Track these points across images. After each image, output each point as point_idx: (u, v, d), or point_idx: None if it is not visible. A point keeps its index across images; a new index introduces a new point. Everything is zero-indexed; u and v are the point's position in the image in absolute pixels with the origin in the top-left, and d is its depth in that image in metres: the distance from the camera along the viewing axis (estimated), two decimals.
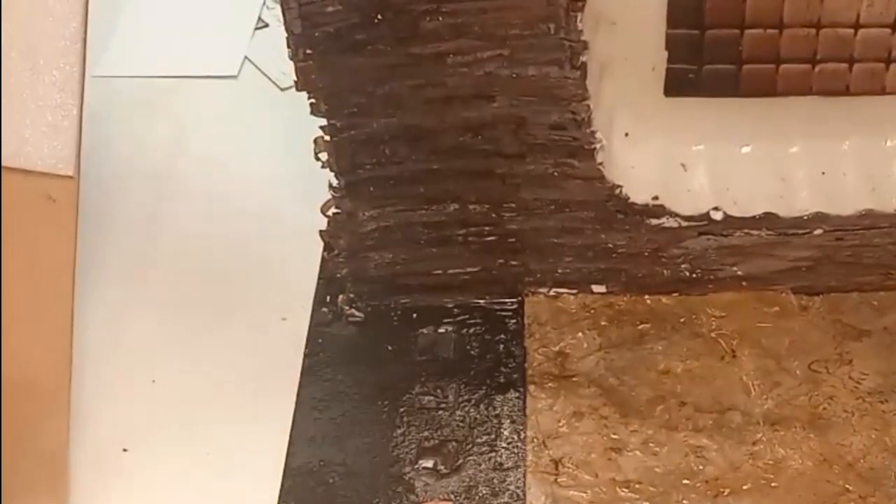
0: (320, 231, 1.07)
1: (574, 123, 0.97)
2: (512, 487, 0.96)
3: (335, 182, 1.02)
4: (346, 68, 0.94)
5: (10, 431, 0.92)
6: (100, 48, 1.42)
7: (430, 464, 0.98)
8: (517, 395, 1.03)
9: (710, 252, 1.05)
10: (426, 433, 1.01)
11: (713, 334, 1.06)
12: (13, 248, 0.89)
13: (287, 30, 0.92)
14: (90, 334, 1.08)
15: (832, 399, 1.00)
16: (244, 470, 0.99)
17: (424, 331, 1.09)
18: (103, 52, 1.43)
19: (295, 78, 0.95)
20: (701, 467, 0.96)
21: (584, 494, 0.95)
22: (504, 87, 0.95)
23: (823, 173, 1.04)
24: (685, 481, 0.95)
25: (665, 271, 1.07)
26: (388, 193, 1.02)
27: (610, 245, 1.05)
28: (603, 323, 1.07)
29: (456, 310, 1.10)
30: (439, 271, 1.08)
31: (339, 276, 1.09)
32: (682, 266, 1.07)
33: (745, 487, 0.95)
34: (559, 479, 0.96)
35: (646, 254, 1.05)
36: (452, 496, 0.96)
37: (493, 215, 1.03)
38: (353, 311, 1.10)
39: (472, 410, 1.02)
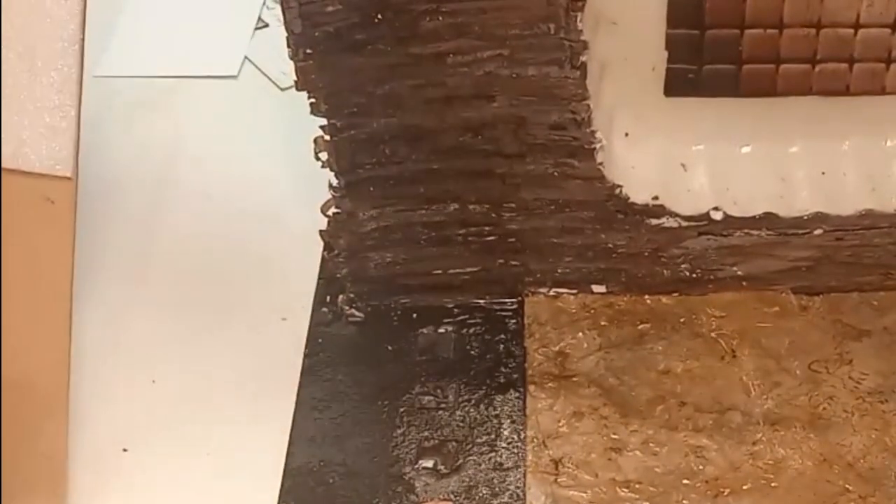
0: (320, 231, 1.07)
1: (574, 123, 0.97)
2: (512, 487, 0.96)
3: (335, 182, 1.02)
4: (346, 68, 0.94)
5: (9, 432, 0.92)
6: (100, 48, 1.42)
7: (430, 464, 0.98)
8: (517, 395, 1.03)
9: (710, 252, 1.05)
10: (426, 433, 1.01)
11: (713, 334, 1.06)
12: (11, 250, 0.89)
13: (287, 29, 0.92)
14: (90, 335, 1.08)
15: (832, 399, 1.00)
16: (244, 470, 0.99)
17: (424, 331, 1.09)
18: (103, 52, 1.43)
19: (295, 78, 0.95)
20: (701, 467, 0.96)
21: (584, 494, 0.95)
22: (504, 86, 0.95)
23: (823, 173, 1.04)
24: (685, 481, 0.95)
25: (665, 271, 1.07)
26: (388, 193, 1.02)
27: (610, 245, 1.05)
28: (603, 323, 1.07)
29: (456, 310, 1.10)
30: (439, 271, 1.08)
31: (339, 276, 1.09)
32: (682, 266, 1.07)
33: (745, 487, 0.95)
34: (559, 479, 0.96)
35: (646, 254, 1.05)
36: (452, 496, 0.96)
37: (493, 215, 1.03)
38: (353, 311, 1.10)
39: (472, 410, 1.02)
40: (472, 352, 1.07)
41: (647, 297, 1.09)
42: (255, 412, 1.03)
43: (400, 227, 1.04)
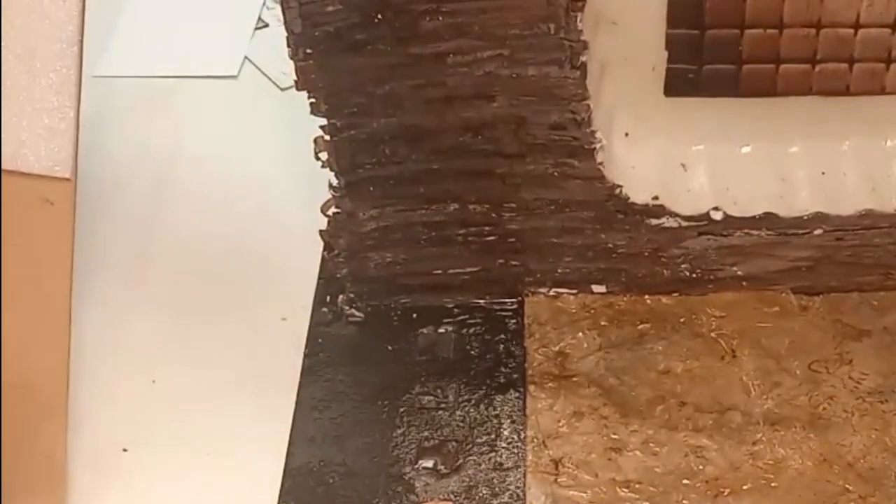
0: (320, 231, 1.07)
1: (574, 123, 0.97)
2: (512, 487, 0.96)
3: (335, 182, 1.02)
4: (346, 68, 0.94)
5: (9, 433, 0.92)
6: (99, 48, 1.42)
7: (430, 464, 0.98)
8: (517, 395, 1.03)
9: (710, 252, 1.05)
10: (426, 433, 1.01)
11: (713, 334, 1.06)
12: (10, 251, 0.89)
13: (287, 29, 0.92)
14: (90, 335, 1.08)
15: (832, 399, 1.00)
16: (244, 470, 0.99)
17: (424, 331, 1.09)
18: (103, 53, 1.43)
19: (295, 78, 0.95)
20: (701, 467, 0.96)
21: (584, 494, 0.95)
22: (504, 86, 0.95)
23: (823, 173, 1.04)
24: (685, 481, 0.95)
25: (665, 271, 1.07)
26: (388, 193, 1.02)
27: (610, 245, 1.05)
28: (603, 323, 1.07)
29: (456, 310, 1.10)
30: (439, 271, 1.08)
31: (339, 276, 1.09)
32: (682, 266, 1.06)
33: (745, 487, 0.95)
34: (559, 479, 0.96)
35: (646, 254, 1.05)
36: (452, 496, 0.96)
37: (493, 215, 1.03)
38: (353, 311, 1.10)
39: (472, 410, 1.02)
40: (472, 352, 1.07)
41: (647, 297, 1.09)
42: (255, 412, 1.03)
43: (400, 227, 1.04)
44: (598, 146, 0.99)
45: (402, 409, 1.02)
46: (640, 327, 1.07)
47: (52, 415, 0.94)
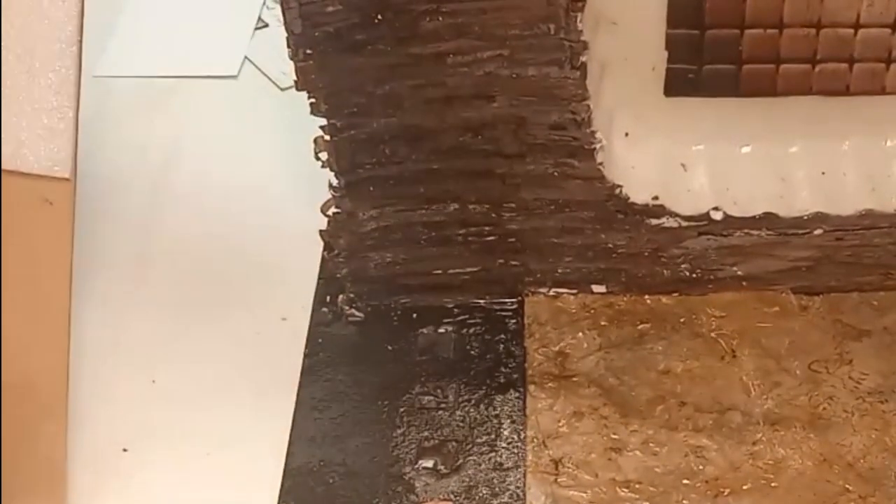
0: (320, 231, 1.07)
1: (574, 123, 0.97)
2: (512, 487, 0.96)
3: (335, 182, 1.02)
4: (346, 68, 0.94)
5: (9, 433, 0.92)
6: (99, 48, 1.42)
7: (430, 464, 0.98)
8: (517, 395, 1.03)
9: (710, 252, 1.05)
10: (426, 433, 1.01)
11: (713, 334, 1.06)
12: (10, 251, 0.89)
13: (287, 30, 0.92)
14: (89, 335, 1.08)
15: (832, 399, 1.00)
16: (244, 470, 0.99)
17: (424, 331, 1.09)
18: (103, 53, 1.43)
19: (295, 78, 0.95)
20: (701, 467, 0.96)
21: (584, 494, 0.95)
22: (504, 87, 0.95)
23: (823, 173, 1.04)
24: (685, 481, 0.95)
25: (665, 271, 1.07)
26: (388, 193, 1.02)
27: (610, 245, 1.05)
28: (603, 323, 1.07)
29: (456, 310, 1.10)
30: (439, 271, 1.08)
31: (339, 276, 1.09)
32: (682, 266, 1.06)
33: (745, 487, 0.95)
34: (559, 479, 0.96)
35: (646, 254, 1.05)
36: (452, 496, 0.96)
37: (493, 215, 1.03)
38: (353, 311, 1.10)
39: (472, 410, 1.02)
40: (472, 352, 1.07)
41: (647, 297, 1.09)
42: (255, 412, 1.03)
43: (400, 227, 1.04)
44: (598, 146, 0.99)
45: (402, 409, 1.02)
46: (640, 327, 1.07)
47: (52, 415, 0.94)
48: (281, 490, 0.97)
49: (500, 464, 0.98)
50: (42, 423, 0.94)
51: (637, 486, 0.95)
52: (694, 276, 1.07)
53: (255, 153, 1.28)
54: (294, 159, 1.20)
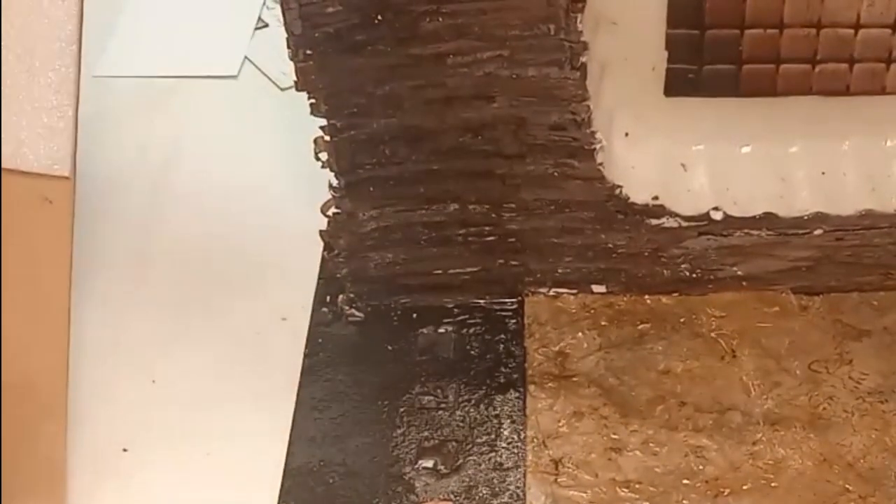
0: (320, 231, 1.07)
1: (574, 124, 0.97)
2: (512, 487, 0.96)
3: (335, 182, 1.02)
4: (346, 69, 0.94)
5: (8, 433, 0.92)
6: (99, 48, 1.42)
7: (430, 464, 0.98)
8: (517, 395, 1.03)
9: (710, 252, 1.05)
10: (426, 433, 1.01)
11: (713, 334, 1.06)
12: (10, 249, 0.89)
13: (287, 30, 0.92)
14: (89, 335, 1.08)
15: (832, 399, 1.00)
16: (244, 470, 0.99)
17: (424, 331, 1.09)
18: (103, 53, 1.43)
19: (295, 78, 0.95)
20: (701, 467, 0.96)
21: (584, 494, 0.95)
22: (504, 87, 0.95)
23: (823, 173, 1.04)
24: (685, 481, 0.95)
25: (665, 271, 1.07)
26: (388, 193, 1.02)
27: (610, 245, 1.05)
28: (603, 323, 1.07)
29: (456, 310, 1.10)
30: (439, 271, 1.08)
31: (339, 276, 1.09)
32: (682, 266, 1.07)
33: (745, 487, 0.95)
34: (559, 479, 0.96)
35: (646, 254, 1.05)
36: (452, 496, 0.96)
37: (493, 215, 1.03)
38: (353, 311, 1.10)
39: (472, 410, 1.02)
40: (472, 352, 1.07)
41: (647, 297, 1.09)
42: (255, 412, 1.03)
43: (400, 228, 1.04)
44: (598, 146, 0.99)
45: (402, 409, 1.02)
46: (640, 327, 1.07)
47: (52, 414, 0.94)
48: (281, 490, 0.97)
49: (500, 464, 0.98)
50: (42, 422, 0.94)
51: (637, 486, 0.95)
52: (694, 276, 1.07)
53: (255, 153, 1.28)
54: (294, 159, 1.20)
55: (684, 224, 1.04)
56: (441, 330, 1.09)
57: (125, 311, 1.13)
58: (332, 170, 1.01)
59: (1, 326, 0.90)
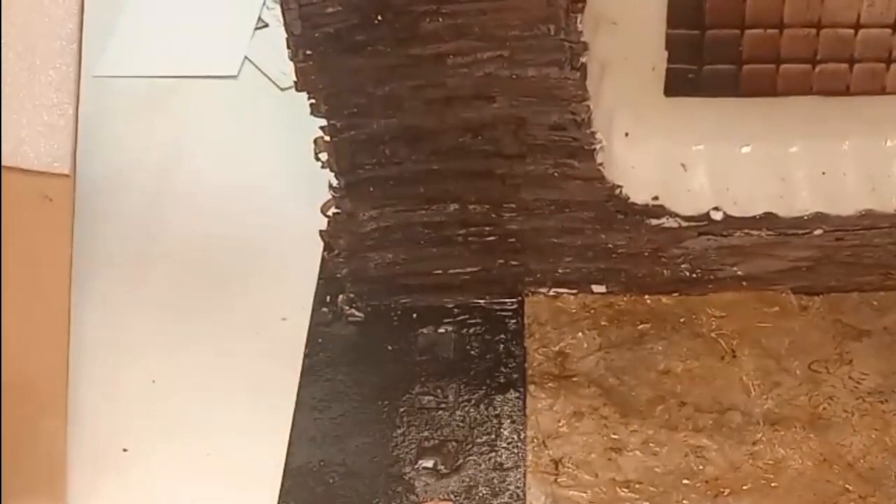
0: (320, 231, 1.07)
1: (574, 124, 0.97)
2: (512, 487, 0.96)
3: (335, 182, 1.02)
4: (345, 69, 0.94)
5: (8, 432, 0.92)
6: (99, 48, 1.42)
7: (430, 464, 0.98)
8: (517, 395, 1.03)
9: (710, 252, 1.05)
10: (426, 433, 1.01)
11: (713, 334, 1.06)
12: (9, 247, 0.89)
13: (287, 30, 0.92)
14: (89, 334, 1.08)
15: (832, 399, 1.00)
16: (244, 470, 0.99)
17: (424, 331, 1.09)
18: (103, 52, 1.43)
19: (295, 78, 0.95)
20: (701, 467, 0.96)
21: (584, 494, 0.95)
22: (504, 87, 0.95)
23: (823, 173, 1.04)
24: (685, 481, 0.95)
25: (665, 271, 1.07)
26: (388, 193, 1.02)
27: (610, 245, 1.05)
28: (603, 323, 1.07)
29: (456, 310, 1.10)
30: (439, 271, 1.08)
31: (339, 276, 1.09)
32: (682, 266, 1.07)
33: (745, 487, 0.95)
34: (559, 479, 0.96)
35: (646, 254, 1.06)
36: (452, 496, 0.96)
37: (493, 215, 1.03)
38: (353, 311, 1.10)
39: (472, 410, 1.02)
40: (472, 352, 1.07)
41: (647, 297, 1.09)
42: (255, 412, 1.03)
43: (400, 228, 1.04)
44: (598, 146, 0.99)
45: (402, 409, 1.02)
46: (640, 327, 1.07)
47: (52, 413, 0.94)
48: (281, 490, 0.97)
49: (500, 464, 0.98)
50: (42, 420, 0.94)
51: (637, 486, 0.95)
52: (694, 276, 1.07)
53: (255, 153, 1.28)
54: (294, 159, 1.20)
55: (684, 224, 1.04)
56: (441, 330, 1.09)
57: (124, 311, 1.13)
58: (332, 170, 1.01)
59: (1, 324, 0.90)
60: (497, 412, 1.02)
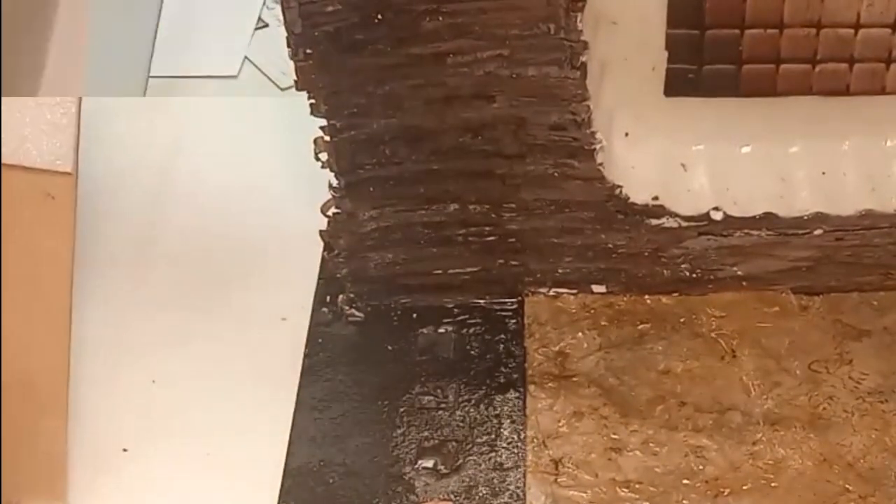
0: (320, 231, 1.07)
1: (574, 124, 0.97)
2: (512, 487, 0.96)
3: (335, 182, 1.02)
4: (345, 68, 0.94)
5: (9, 431, 0.92)
6: None
7: (430, 464, 0.98)
8: (517, 395, 1.03)
9: (710, 252, 1.05)
10: (426, 433, 1.01)
11: (713, 334, 1.06)
12: (11, 245, 0.89)
13: (287, 30, 0.92)
14: (90, 333, 1.08)
15: (832, 399, 1.00)
16: (244, 470, 0.99)
17: (424, 331, 1.09)
18: None
19: (295, 78, 0.95)
20: (701, 467, 0.96)
21: (584, 494, 0.95)
22: (504, 87, 0.95)
23: (823, 173, 1.04)
24: (685, 481, 0.95)
25: (665, 271, 1.07)
26: (388, 193, 1.02)
27: (610, 245, 1.05)
28: (603, 323, 1.07)
29: (456, 310, 1.10)
30: (439, 271, 1.08)
31: (339, 276, 1.09)
32: (682, 266, 1.07)
33: (745, 487, 0.95)
34: (559, 479, 0.96)
35: (646, 254, 1.06)
36: (452, 496, 0.96)
37: (493, 215, 1.03)
38: (353, 311, 1.10)
39: (472, 410, 1.02)
40: (472, 352, 1.07)
41: (647, 297, 1.09)
42: (255, 412, 1.03)
43: (400, 228, 1.04)
44: (598, 146, 0.99)
45: (402, 409, 1.02)
46: (640, 327, 1.07)
47: (53, 412, 0.94)
48: (281, 490, 0.97)
49: (500, 464, 0.98)
50: (42, 419, 0.94)
51: (637, 486, 0.95)
52: (694, 276, 1.07)
53: (255, 153, 1.28)
54: (294, 159, 1.20)
55: (684, 224, 1.04)
56: (441, 330, 1.09)
57: (124, 311, 1.13)
58: (332, 170, 1.01)
59: (1, 322, 0.90)
60: (497, 412, 1.02)
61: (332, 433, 1.01)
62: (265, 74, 1.39)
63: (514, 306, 1.09)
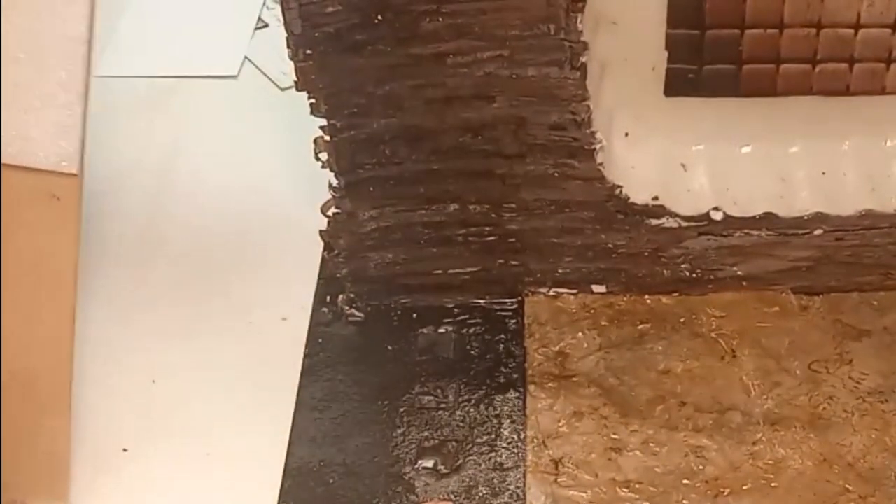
0: (320, 231, 1.08)
1: (574, 124, 0.97)
2: (512, 487, 0.96)
3: (335, 182, 1.02)
4: (346, 68, 0.94)
5: (12, 430, 0.93)
6: (99, 48, 1.42)
7: (430, 464, 0.98)
8: (517, 395, 1.03)
9: (710, 252, 1.05)
10: (426, 433, 1.01)
11: (713, 334, 1.06)
12: (17, 246, 0.89)
13: (287, 30, 0.92)
14: (91, 333, 1.08)
15: (832, 399, 1.00)
16: (244, 470, 0.99)
17: (424, 331, 1.09)
18: (103, 52, 1.43)
19: (295, 78, 0.95)
20: (701, 467, 0.96)
21: (584, 494, 0.95)
22: (504, 87, 0.95)
23: (823, 173, 1.04)
24: (685, 481, 0.95)
25: (665, 271, 1.07)
26: (388, 193, 1.02)
27: (610, 245, 1.05)
28: (603, 323, 1.07)
29: (456, 310, 1.10)
30: (439, 271, 1.08)
31: (339, 276, 1.09)
32: (682, 266, 1.07)
33: (745, 487, 0.95)
34: (559, 479, 0.96)
35: (646, 254, 1.06)
36: (452, 496, 0.96)
37: (493, 215, 1.03)
38: (353, 311, 1.10)
39: (472, 410, 1.02)
40: (472, 352, 1.07)
41: (647, 297, 1.09)
42: (255, 412, 1.03)
43: (400, 228, 1.04)
44: (598, 146, 0.99)
45: (402, 409, 1.02)
46: (640, 327, 1.07)
47: (56, 410, 0.95)
48: (281, 490, 0.97)
49: (500, 464, 0.98)
50: (46, 418, 0.95)
51: (637, 486, 0.95)
52: (694, 276, 1.07)
53: (255, 153, 1.28)
54: (294, 159, 1.20)
55: (684, 224, 1.04)
56: (441, 330, 1.09)
57: (124, 311, 1.13)
58: (332, 170, 1.01)
59: (6, 322, 0.90)
60: (497, 412, 1.02)
61: (332, 433, 1.01)
62: (265, 74, 1.39)
63: (514, 306, 1.09)
